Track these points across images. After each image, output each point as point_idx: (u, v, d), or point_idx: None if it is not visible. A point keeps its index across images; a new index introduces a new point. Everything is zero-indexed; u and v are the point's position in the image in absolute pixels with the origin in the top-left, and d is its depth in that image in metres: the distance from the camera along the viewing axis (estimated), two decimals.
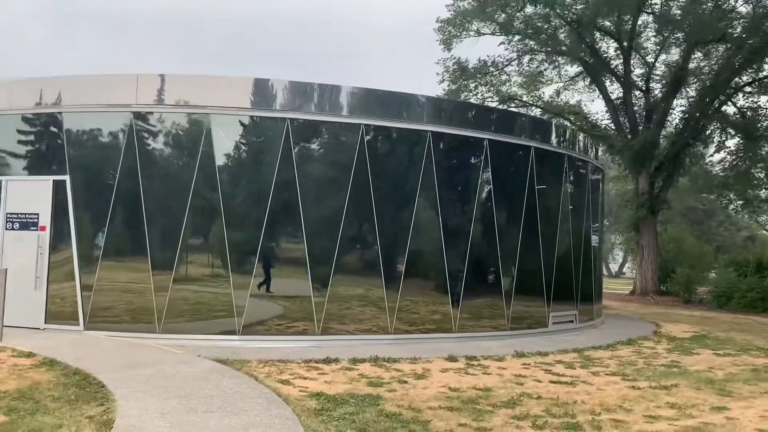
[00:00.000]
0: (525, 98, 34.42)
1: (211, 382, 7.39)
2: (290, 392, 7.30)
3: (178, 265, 10.59)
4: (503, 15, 28.66)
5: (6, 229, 11.16)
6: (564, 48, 29.49)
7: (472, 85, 31.51)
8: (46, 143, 11.21)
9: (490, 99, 32.81)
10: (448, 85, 30.99)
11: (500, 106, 32.71)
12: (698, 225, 44.54)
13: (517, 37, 29.21)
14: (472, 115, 13.51)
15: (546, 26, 28.55)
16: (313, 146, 11.59)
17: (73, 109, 11.01)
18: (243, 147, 11.28)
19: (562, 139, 15.12)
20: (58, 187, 10.88)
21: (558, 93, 33.83)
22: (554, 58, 31.25)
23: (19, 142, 11.33)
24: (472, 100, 31.89)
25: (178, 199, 10.66)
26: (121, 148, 10.73)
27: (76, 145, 11.00)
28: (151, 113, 10.90)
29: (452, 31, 30.29)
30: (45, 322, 10.81)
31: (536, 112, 34.00)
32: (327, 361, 9.39)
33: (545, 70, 32.71)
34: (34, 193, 10.99)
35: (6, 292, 10.68)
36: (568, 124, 32.68)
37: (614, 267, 72.48)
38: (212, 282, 10.76)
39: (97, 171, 10.98)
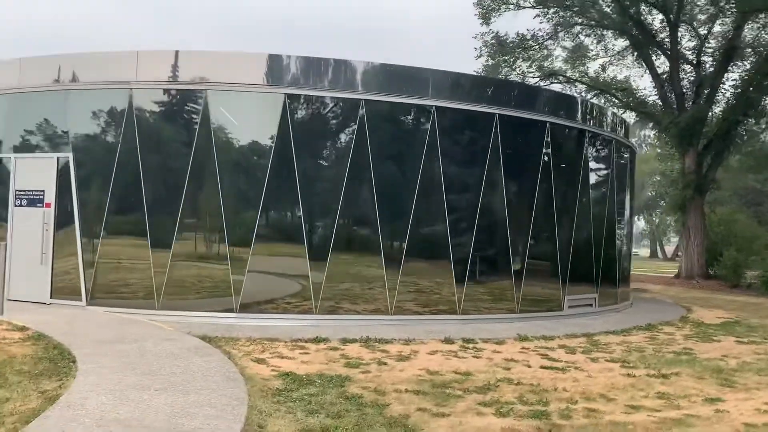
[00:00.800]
0: (569, 74, 33.26)
1: (182, 360, 7.31)
2: (259, 371, 7.16)
3: (176, 243, 10.58)
4: None
5: (15, 205, 11.38)
6: (607, 21, 28.25)
7: (511, 60, 30.59)
8: (51, 121, 11.31)
9: (531, 75, 31.85)
10: (486, 60, 30.17)
11: (543, 83, 31.75)
12: (756, 207, 42.32)
13: (553, 9, 28.10)
14: (486, 89, 12.92)
15: None
16: (310, 120, 11.33)
17: (77, 87, 11.08)
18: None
19: (582, 114, 14.40)
20: (63, 165, 11.01)
21: (604, 68, 32.52)
22: (598, 31, 30.01)
23: (27, 120, 11.47)
24: (512, 77, 31.05)
25: (176, 179, 10.63)
26: (120, 125, 10.75)
27: (78, 124, 11.07)
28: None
29: (491, 3, 29.42)
30: (51, 297, 11.03)
31: (581, 88, 32.84)
32: (316, 340, 9.23)
33: (590, 44, 31.53)
34: (39, 171, 11.15)
35: (14, 268, 11.00)
36: (615, 100, 31.44)
37: (670, 249, 70.16)
38: (210, 260, 10.73)
39: (98, 149, 11.02)
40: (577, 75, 33.29)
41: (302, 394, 6.33)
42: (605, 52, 31.93)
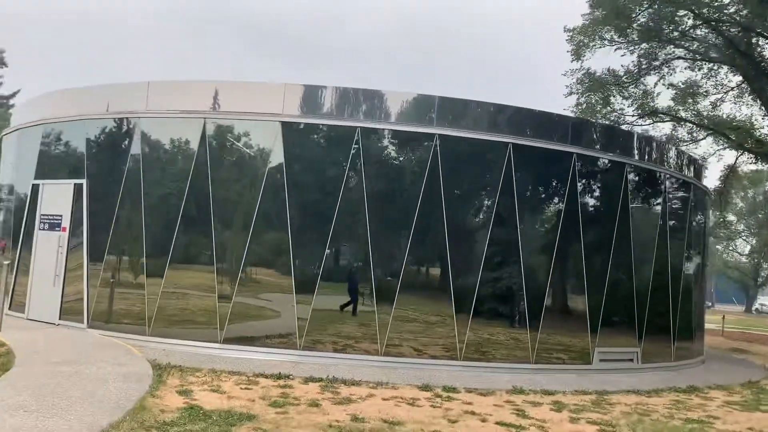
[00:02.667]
0: (681, 113, 30.71)
1: (101, 385, 7.12)
2: (168, 402, 6.80)
3: (168, 273, 10.58)
4: (639, 18, 25.84)
5: (39, 229, 12.01)
6: (713, 54, 25.89)
7: (607, 98, 28.74)
8: (69, 150, 11.92)
9: (629, 114, 29.76)
10: (579, 98, 28.58)
11: (641, 121, 29.59)
12: None
13: (645, 45, 26.15)
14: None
15: (690, 29, 25.24)
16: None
17: (89, 117, 11.61)
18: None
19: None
20: (78, 191, 11.49)
21: (715, 105, 29.73)
22: (708, 65, 27.54)
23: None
24: (607, 116, 29.19)
25: (171, 207, 10.72)
26: (126, 154, 11.08)
27: (89, 151, 11.56)
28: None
29: (583, 39, 27.99)
30: (59, 318, 11.40)
31: (689, 127, 30.14)
32: (278, 376, 8.75)
33: (700, 78, 29.01)
34: (58, 196, 11.71)
35: (35, 288, 11.54)
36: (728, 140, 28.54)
37: None
38: (199, 291, 10.60)
39: (106, 175, 11.40)
40: (690, 114, 30.67)
41: (181, 430, 5.86)
42: (717, 88, 29.24)
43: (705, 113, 29.76)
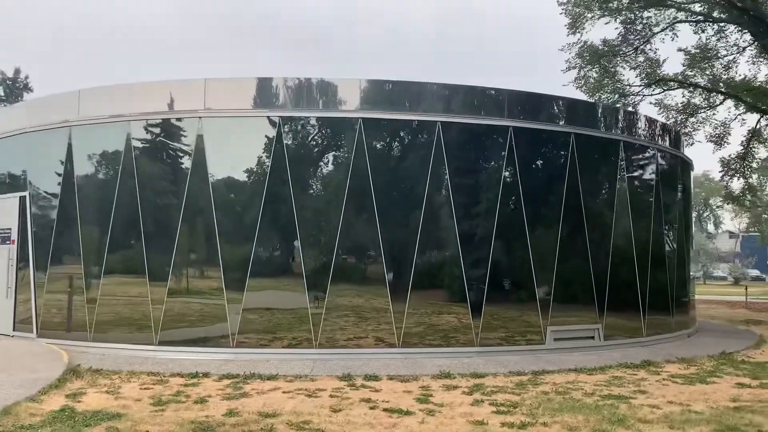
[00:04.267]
0: (696, 78, 29.36)
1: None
2: (45, 406, 6.76)
3: (104, 279, 10.64)
4: None
5: None
6: (719, 15, 24.71)
7: (611, 70, 27.71)
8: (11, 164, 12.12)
9: (636, 84, 28.63)
10: (580, 72, 27.64)
11: (649, 91, 28.43)
12: None
13: (646, 13, 25.10)
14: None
15: None
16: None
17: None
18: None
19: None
20: (22, 204, 11.66)
21: (727, 68, 28.33)
22: (710, 26, 26.28)
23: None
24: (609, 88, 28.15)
25: (103, 212, 10.75)
26: (62, 161, 11.17)
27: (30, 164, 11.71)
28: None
29: (580, 11, 27.05)
30: (13, 330, 11.60)
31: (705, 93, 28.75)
32: (190, 375, 8.66)
33: (709, 40, 27.68)
34: (4, 209, 11.91)
35: None
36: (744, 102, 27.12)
37: None
38: (132, 294, 10.60)
39: (45, 187, 11.52)
40: (705, 80, 29.30)
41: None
42: (728, 50, 27.85)
43: (719, 77, 28.45)
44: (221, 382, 8.30)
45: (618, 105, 26.57)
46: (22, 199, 11.66)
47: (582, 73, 27.93)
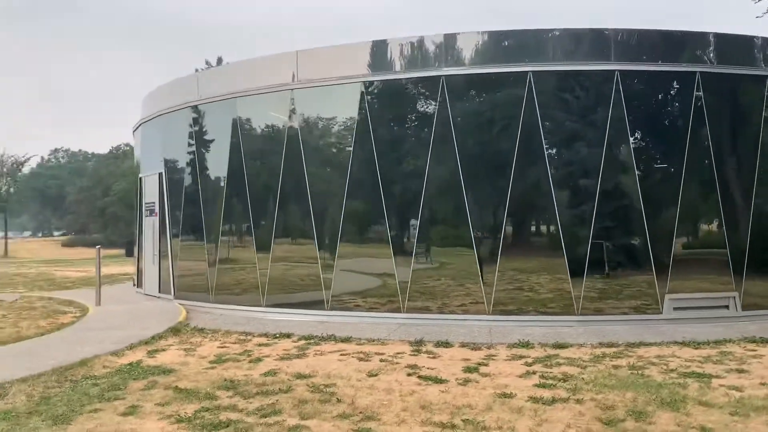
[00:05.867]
0: None
1: (87, 347, 8.18)
2: (124, 360, 7.57)
3: (219, 250, 11.57)
4: None
5: (145, 216, 13.87)
6: None
7: None
8: (154, 145, 13.51)
9: None
10: None
11: None
12: None
13: None
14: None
15: None
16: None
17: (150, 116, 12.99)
18: None
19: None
20: (161, 180, 13.03)
21: None
22: None
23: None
24: None
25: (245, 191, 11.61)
26: (190, 142, 12.23)
27: (165, 144, 12.98)
28: None
29: None
30: (159, 292, 13.09)
31: None
32: (273, 335, 9.13)
33: None
34: (150, 186, 13.40)
35: (144, 268, 13.44)
36: None
37: None
38: (245, 262, 11.36)
39: (177, 167, 12.71)
40: None
41: (91, 382, 6.55)
42: None
43: None
44: (297, 343, 8.62)
45: None
46: (160, 176, 12.98)
47: None
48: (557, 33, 9.90)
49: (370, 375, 6.74)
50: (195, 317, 10.93)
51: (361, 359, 7.53)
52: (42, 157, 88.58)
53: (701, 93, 9.71)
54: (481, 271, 9.67)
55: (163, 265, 13.03)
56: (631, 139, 9.60)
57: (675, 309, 9.58)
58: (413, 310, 9.89)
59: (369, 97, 10.21)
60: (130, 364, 7.34)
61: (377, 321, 9.85)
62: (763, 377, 6.43)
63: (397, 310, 9.95)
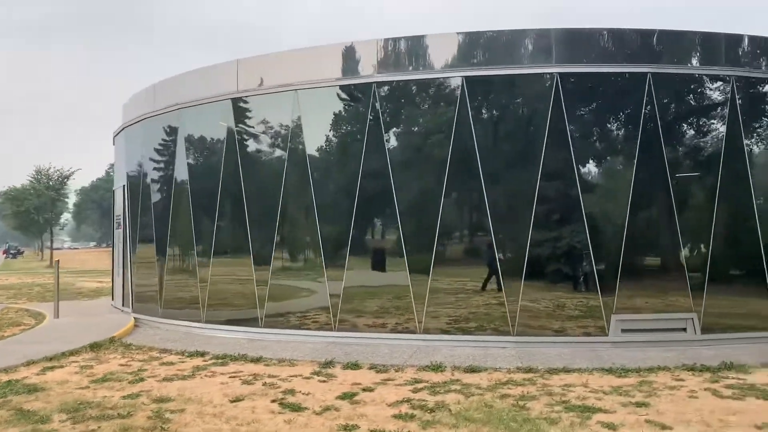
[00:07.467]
0: None
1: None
2: (11, 376, 7.39)
3: (167, 264, 11.41)
4: None
5: (115, 229, 13.89)
6: None
7: None
8: (118, 157, 13.49)
9: None
10: None
11: None
12: None
13: None
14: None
15: None
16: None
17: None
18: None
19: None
20: (123, 193, 13.01)
21: None
22: None
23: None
24: None
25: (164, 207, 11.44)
26: (142, 154, 12.14)
27: (128, 155, 12.95)
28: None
29: None
30: (122, 306, 13.05)
31: None
32: (190, 354, 8.83)
33: None
34: (118, 198, 13.40)
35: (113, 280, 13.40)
36: None
37: None
38: (188, 276, 11.12)
39: (135, 180, 12.64)
40: None
41: None
42: None
43: None
44: (207, 362, 8.31)
45: None
46: (124, 189, 12.96)
47: None
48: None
49: (234, 401, 6.31)
50: (139, 332, 10.77)
51: (245, 382, 7.11)
52: (106, 171, 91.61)
53: (652, 98, 8.89)
54: (412, 288, 9.10)
55: (126, 278, 12.96)
56: (572, 148, 8.84)
57: (623, 331, 8.75)
58: (344, 328, 9.39)
59: (302, 105, 9.83)
60: (9, 381, 7.13)
61: (307, 339, 9.42)
62: (660, 412, 5.66)
63: (329, 328, 9.48)
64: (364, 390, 6.64)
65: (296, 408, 5.97)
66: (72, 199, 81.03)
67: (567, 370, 7.44)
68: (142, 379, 7.24)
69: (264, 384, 6.98)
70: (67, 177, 45.29)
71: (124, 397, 6.43)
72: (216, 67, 10.81)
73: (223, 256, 10.64)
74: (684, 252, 8.92)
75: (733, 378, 6.95)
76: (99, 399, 6.35)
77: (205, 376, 7.47)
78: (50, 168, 44.91)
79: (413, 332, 9.07)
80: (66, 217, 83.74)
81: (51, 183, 44.49)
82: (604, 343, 8.66)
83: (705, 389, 6.48)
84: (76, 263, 53.66)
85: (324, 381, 7.12)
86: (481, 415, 5.60)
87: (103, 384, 7.04)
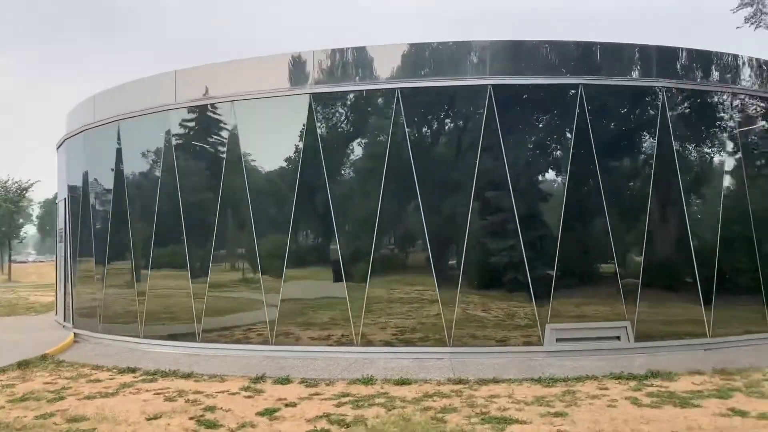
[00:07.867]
0: None
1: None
2: None
3: (106, 279, 11.19)
4: None
5: (59, 242, 13.58)
6: None
7: None
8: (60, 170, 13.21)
9: None
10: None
11: None
12: None
13: None
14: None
15: None
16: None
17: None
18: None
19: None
20: (65, 205, 12.74)
21: None
22: None
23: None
24: None
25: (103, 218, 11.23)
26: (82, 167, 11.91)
27: (69, 169, 12.70)
28: None
29: None
30: (64, 320, 12.74)
31: None
32: (121, 370, 8.63)
33: None
34: (61, 211, 13.13)
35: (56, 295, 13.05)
36: None
37: None
38: (127, 290, 10.91)
39: (75, 194, 12.39)
40: None
41: None
42: None
43: None
44: (137, 378, 8.15)
45: None
46: (65, 202, 12.69)
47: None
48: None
49: (151, 419, 6.18)
50: (77, 348, 10.53)
51: (168, 399, 6.97)
52: None
53: (584, 109, 9.00)
54: (349, 300, 9.03)
55: (67, 292, 12.68)
56: (505, 157, 8.89)
57: (558, 340, 8.78)
58: (282, 342, 9.28)
59: (239, 116, 9.73)
60: None
61: (244, 354, 9.26)
62: (574, 422, 5.67)
63: (266, 342, 9.35)
64: (287, 405, 6.55)
65: (212, 425, 5.87)
66: (36, 212, 79.60)
67: (497, 381, 7.44)
68: (62, 398, 7.05)
69: (187, 401, 6.84)
70: (26, 189, 44.33)
71: (37, 417, 6.25)
72: (155, 78, 10.66)
73: (161, 269, 10.44)
74: (617, 260, 8.99)
75: (656, 386, 7.01)
76: (10, 420, 6.15)
77: (130, 393, 7.30)
78: (8, 180, 43.94)
79: (352, 344, 8.99)
80: (31, 230, 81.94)
81: (9, 195, 43.46)
82: (540, 353, 8.68)
83: (626, 398, 6.52)
84: (35, 277, 52.49)
85: (249, 397, 7.01)
86: (396, 429, 5.56)
87: (20, 404, 6.83)
